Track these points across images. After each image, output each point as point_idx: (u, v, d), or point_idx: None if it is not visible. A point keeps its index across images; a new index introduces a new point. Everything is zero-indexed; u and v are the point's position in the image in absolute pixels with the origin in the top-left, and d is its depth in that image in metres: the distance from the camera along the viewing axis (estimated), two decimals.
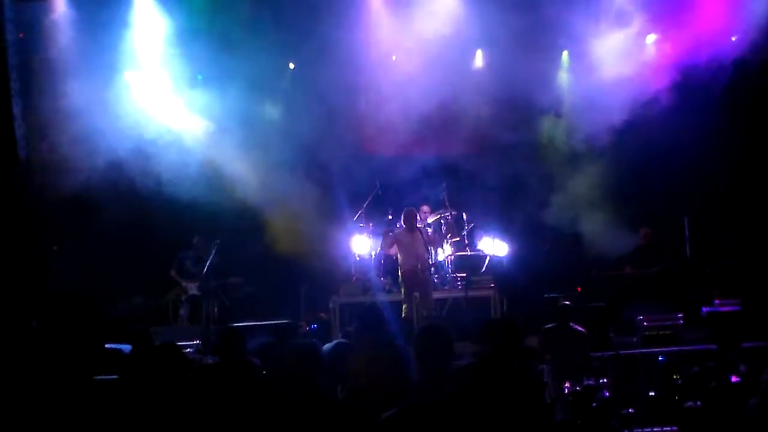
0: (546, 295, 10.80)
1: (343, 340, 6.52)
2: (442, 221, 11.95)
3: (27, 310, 8.53)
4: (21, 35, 10.86)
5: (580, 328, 8.64)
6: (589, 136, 11.59)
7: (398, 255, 10.82)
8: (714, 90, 10.93)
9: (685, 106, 11.09)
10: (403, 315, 10.60)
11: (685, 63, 11.10)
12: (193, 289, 11.54)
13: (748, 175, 11.70)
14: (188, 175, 11.71)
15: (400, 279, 10.82)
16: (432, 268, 11.13)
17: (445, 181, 12.07)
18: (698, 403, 6.50)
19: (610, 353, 8.52)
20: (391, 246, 10.86)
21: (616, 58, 11.55)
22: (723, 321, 9.43)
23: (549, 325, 8.79)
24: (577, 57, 12.25)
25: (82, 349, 3.31)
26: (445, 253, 11.78)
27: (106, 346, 8.69)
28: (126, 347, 8.77)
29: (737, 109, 11.24)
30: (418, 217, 11.12)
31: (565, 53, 12.36)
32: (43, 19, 11.44)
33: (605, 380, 8.19)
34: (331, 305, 11.46)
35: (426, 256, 10.79)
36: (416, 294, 10.68)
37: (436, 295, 11.10)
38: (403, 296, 10.75)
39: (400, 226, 11.22)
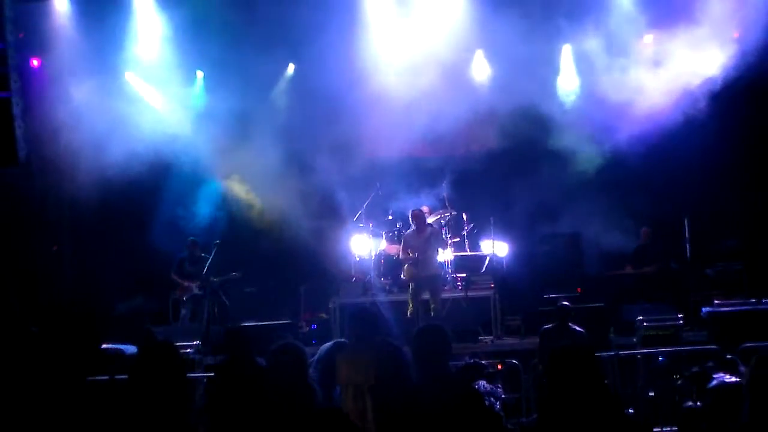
0: (546, 296, 10.80)
1: (342, 340, 6.52)
2: (442, 221, 11.95)
3: (26, 316, 8.56)
4: (21, 35, 10.86)
5: (578, 329, 8.66)
6: (590, 137, 11.59)
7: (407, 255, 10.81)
8: (716, 92, 10.93)
9: (686, 107, 11.09)
10: (408, 315, 10.62)
11: (689, 66, 11.13)
12: (194, 288, 11.56)
13: (748, 175, 11.70)
14: (188, 176, 11.74)
15: (408, 279, 10.79)
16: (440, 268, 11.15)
17: (445, 181, 12.08)
18: (698, 403, 6.50)
19: (610, 353, 8.51)
20: (405, 250, 10.81)
21: (621, 62, 11.62)
22: (723, 321, 9.43)
23: (548, 326, 8.81)
24: (580, 58, 12.31)
25: (78, 351, 3.30)
26: (445, 253, 11.78)
27: (108, 346, 8.70)
28: (128, 348, 8.78)
29: (738, 108, 11.23)
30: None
31: (567, 49, 12.36)
32: (43, 19, 11.45)
33: (605, 381, 8.17)
34: (331, 305, 11.46)
35: (435, 256, 10.81)
36: (425, 294, 10.68)
37: None
38: (409, 296, 10.74)
39: (402, 226, 11.25)
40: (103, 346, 8.91)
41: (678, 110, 11.07)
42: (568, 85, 12.37)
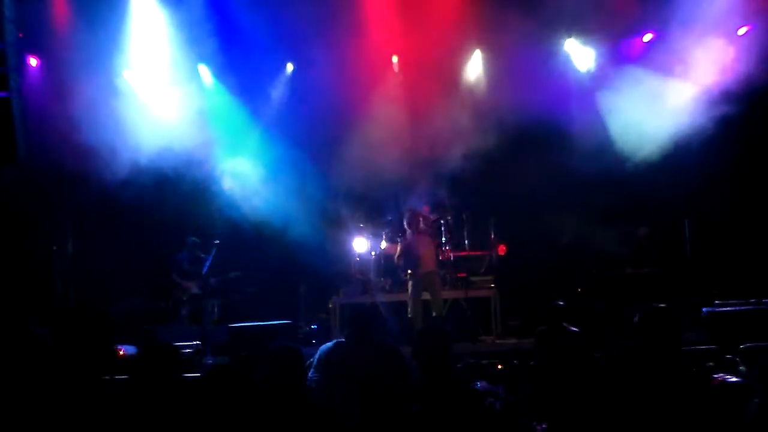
0: (546, 296, 10.79)
1: (342, 340, 6.53)
2: (442, 222, 11.95)
3: (26, 316, 8.55)
4: (21, 35, 10.84)
5: (573, 329, 8.65)
6: (590, 136, 11.58)
7: (406, 257, 10.83)
8: (718, 92, 10.92)
9: (688, 108, 11.10)
10: (409, 315, 10.64)
11: (690, 66, 11.13)
12: (193, 288, 11.54)
13: (749, 176, 11.68)
14: (188, 176, 11.73)
15: (408, 279, 10.82)
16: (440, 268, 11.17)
17: (444, 182, 12.09)
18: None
19: (610, 353, 8.49)
20: (401, 253, 10.86)
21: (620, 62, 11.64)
22: (723, 321, 9.42)
23: (542, 327, 8.79)
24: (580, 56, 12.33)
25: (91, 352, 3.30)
26: (445, 253, 11.78)
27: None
28: (128, 348, 8.78)
29: (740, 108, 11.21)
30: (420, 219, 11.12)
31: (567, 43, 12.36)
32: (43, 19, 11.44)
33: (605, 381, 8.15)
34: (331, 305, 11.47)
35: (433, 256, 10.83)
36: (424, 294, 10.70)
37: None
38: (409, 296, 10.76)
39: (400, 227, 11.27)
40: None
41: (680, 111, 11.07)
42: (567, 84, 12.37)
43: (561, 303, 8.88)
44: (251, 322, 10.18)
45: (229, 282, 11.48)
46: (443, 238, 11.66)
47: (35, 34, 11.26)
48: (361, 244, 12.05)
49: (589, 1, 10.96)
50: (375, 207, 12.37)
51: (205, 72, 12.49)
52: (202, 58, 12.13)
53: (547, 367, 3.25)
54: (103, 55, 11.49)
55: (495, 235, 11.81)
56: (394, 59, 12.68)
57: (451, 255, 11.76)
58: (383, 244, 12.02)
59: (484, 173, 12.02)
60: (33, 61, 11.95)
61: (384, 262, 11.90)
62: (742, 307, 9.64)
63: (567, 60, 12.42)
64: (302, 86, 12.37)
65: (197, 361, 9.20)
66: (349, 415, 5.19)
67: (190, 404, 3.41)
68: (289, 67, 12.82)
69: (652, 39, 11.94)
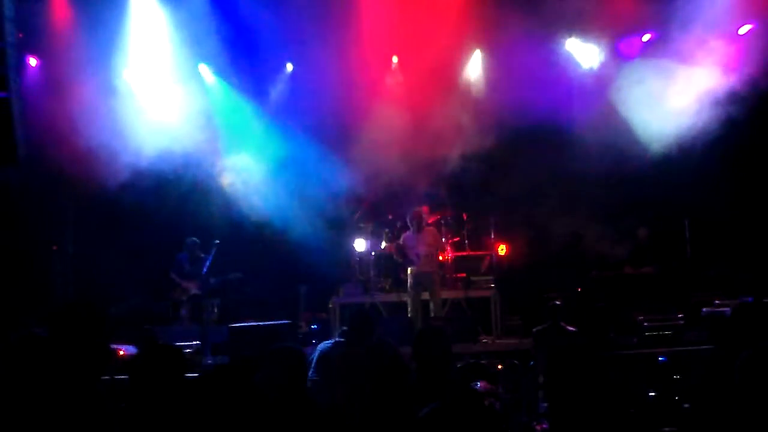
0: (546, 296, 10.81)
1: (341, 339, 6.54)
2: (442, 222, 11.95)
3: (26, 316, 8.53)
4: (21, 35, 10.84)
5: (571, 328, 8.66)
6: (591, 135, 11.57)
7: (407, 256, 10.83)
8: (720, 93, 10.92)
9: (690, 109, 11.09)
10: (408, 315, 10.65)
11: (691, 67, 11.13)
12: (193, 288, 11.53)
13: (749, 176, 11.67)
14: (188, 176, 11.73)
15: (409, 279, 10.83)
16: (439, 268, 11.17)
17: (445, 182, 12.08)
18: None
19: (610, 353, 8.50)
20: (401, 252, 10.87)
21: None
22: (723, 321, 9.41)
23: (540, 327, 8.81)
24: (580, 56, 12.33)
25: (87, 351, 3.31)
26: (445, 253, 11.79)
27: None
28: (128, 348, 8.79)
29: (741, 109, 11.21)
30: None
31: (568, 42, 12.34)
32: (43, 19, 11.44)
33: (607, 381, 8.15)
34: (331, 305, 11.46)
35: (435, 256, 10.83)
36: (424, 294, 10.71)
37: None
38: (409, 296, 10.76)
39: (402, 226, 11.25)
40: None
41: (681, 111, 11.07)
42: (567, 83, 12.36)
43: (557, 302, 8.90)
44: (251, 322, 10.17)
45: (228, 282, 11.47)
46: (443, 238, 11.65)
47: (35, 34, 11.26)
48: (361, 244, 12.04)
49: (589, 0, 10.97)
50: (375, 207, 12.36)
51: (206, 71, 12.48)
52: (203, 58, 12.13)
53: (551, 366, 3.25)
54: (103, 55, 11.48)
55: (495, 235, 11.80)
56: (394, 59, 12.67)
57: (451, 255, 11.76)
58: (383, 244, 12.01)
59: (484, 173, 12.02)
60: (33, 61, 11.93)
61: (384, 262, 11.89)
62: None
63: (567, 59, 12.40)
64: (302, 86, 12.36)
65: (197, 361, 9.19)
66: (349, 415, 5.19)
67: (189, 404, 3.41)
68: (289, 67, 12.81)
69: (652, 39, 11.92)
